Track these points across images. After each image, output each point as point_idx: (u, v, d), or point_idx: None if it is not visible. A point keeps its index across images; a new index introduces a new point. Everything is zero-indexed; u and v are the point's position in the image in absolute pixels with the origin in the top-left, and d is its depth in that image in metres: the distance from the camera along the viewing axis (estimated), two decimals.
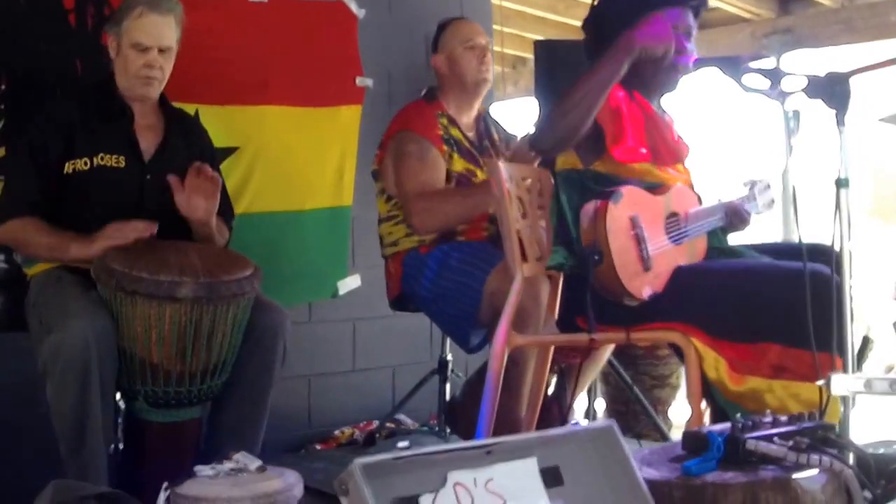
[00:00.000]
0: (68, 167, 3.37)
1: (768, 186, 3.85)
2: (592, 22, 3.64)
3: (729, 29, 7.81)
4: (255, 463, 2.40)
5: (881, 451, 3.07)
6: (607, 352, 4.20)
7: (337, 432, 4.87)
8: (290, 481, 2.37)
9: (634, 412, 5.06)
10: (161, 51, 3.45)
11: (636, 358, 5.30)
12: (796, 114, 2.75)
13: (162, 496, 2.34)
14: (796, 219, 2.83)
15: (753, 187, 3.79)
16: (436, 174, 4.12)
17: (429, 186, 4.07)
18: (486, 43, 4.45)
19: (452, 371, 4.90)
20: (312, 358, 4.86)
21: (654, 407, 4.89)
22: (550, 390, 4.11)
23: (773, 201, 3.86)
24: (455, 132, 4.27)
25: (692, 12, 3.53)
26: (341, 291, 4.99)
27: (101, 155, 3.39)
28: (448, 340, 4.84)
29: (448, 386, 4.89)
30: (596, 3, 3.65)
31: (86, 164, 3.38)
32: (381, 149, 4.30)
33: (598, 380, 5.12)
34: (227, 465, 2.41)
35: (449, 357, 4.89)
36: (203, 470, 2.38)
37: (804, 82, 2.69)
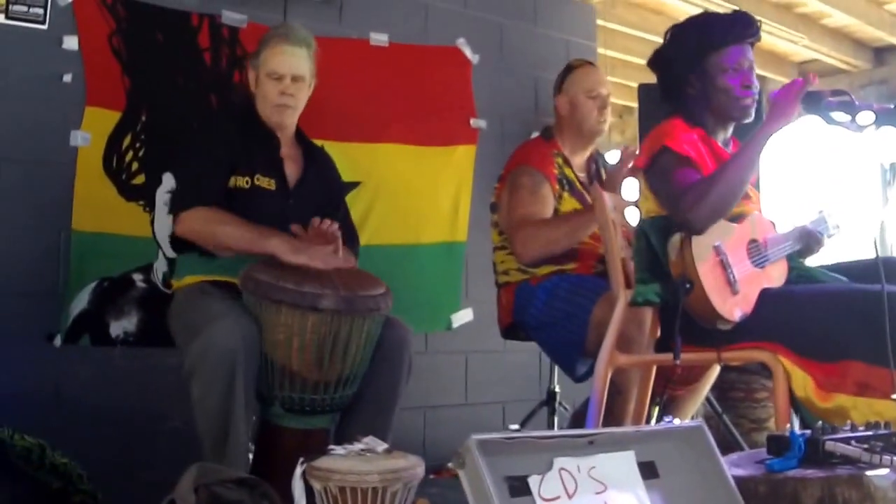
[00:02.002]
0: (233, 181, 3.58)
1: (833, 213, 3.91)
2: (660, 63, 3.82)
3: (828, 80, 7.85)
4: (383, 446, 2.60)
5: None
6: (707, 384, 4.33)
7: (450, 465, 4.99)
8: (413, 462, 2.59)
9: None
10: (294, 79, 3.68)
11: (735, 402, 5.37)
12: (893, 166, 2.89)
13: (298, 469, 2.54)
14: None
15: (822, 212, 3.88)
16: (544, 209, 4.26)
17: (535, 217, 4.21)
18: (608, 94, 4.57)
19: (560, 403, 5.01)
20: (428, 390, 5.02)
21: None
22: (652, 423, 4.26)
23: (839, 225, 3.90)
24: (569, 172, 4.42)
25: (750, 46, 3.68)
26: (455, 325, 5.20)
27: (257, 176, 3.61)
28: (556, 372, 4.97)
29: (556, 419, 5.01)
30: (663, 45, 3.80)
31: (247, 182, 3.59)
32: (500, 182, 4.47)
33: None
34: (357, 445, 2.61)
35: (557, 388, 5.01)
36: (336, 449, 2.59)
37: (875, 115, 2.90)
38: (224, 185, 3.56)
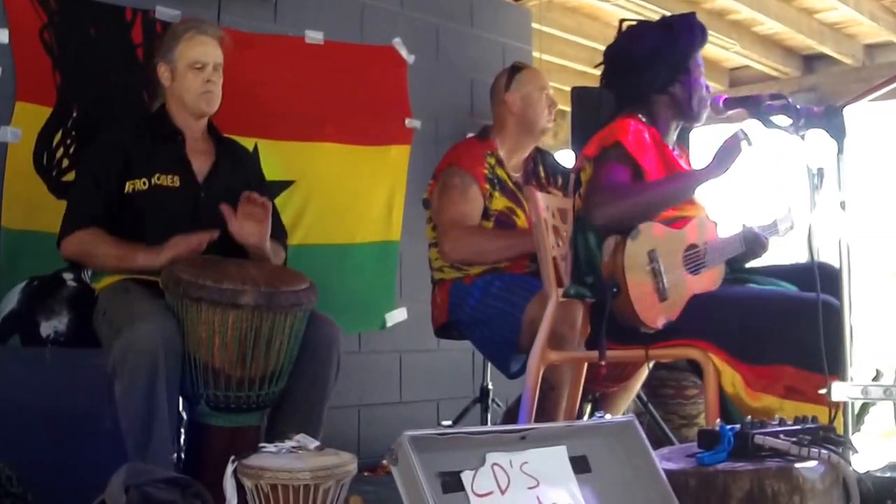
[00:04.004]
0: (129, 187, 3.57)
1: (789, 210, 3.93)
2: (615, 56, 3.89)
3: (759, 87, 7.98)
4: (314, 443, 2.60)
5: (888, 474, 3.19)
6: (639, 381, 4.38)
7: (384, 462, 5.01)
8: (345, 459, 2.58)
9: None
10: (215, 67, 3.72)
11: (666, 398, 5.43)
12: (820, 171, 2.92)
13: (230, 468, 2.53)
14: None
15: (776, 219, 3.88)
16: (473, 208, 4.29)
17: (465, 217, 4.25)
18: (552, 93, 4.67)
19: (493, 401, 5.05)
20: (362, 388, 5.04)
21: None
22: (585, 419, 4.28)
23: (793, 225, 3.92)
24: (500, 172, 4.42)
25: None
26: (389, 324, 5.20)
27: (157, 175, 3.60)
28: (489, 369, 5.00)
29: (489, 416, 5.05)
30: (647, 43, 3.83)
31: (144, 183, 3.58)
32: (433, 179, 4.49)
33: None
34: (289, 443, 2.60)
35: (490, 385, 5.05)
36: (267, 447, 2.58)
37: (804, 119, 2.95)
38: (108, 200, 3.56)
